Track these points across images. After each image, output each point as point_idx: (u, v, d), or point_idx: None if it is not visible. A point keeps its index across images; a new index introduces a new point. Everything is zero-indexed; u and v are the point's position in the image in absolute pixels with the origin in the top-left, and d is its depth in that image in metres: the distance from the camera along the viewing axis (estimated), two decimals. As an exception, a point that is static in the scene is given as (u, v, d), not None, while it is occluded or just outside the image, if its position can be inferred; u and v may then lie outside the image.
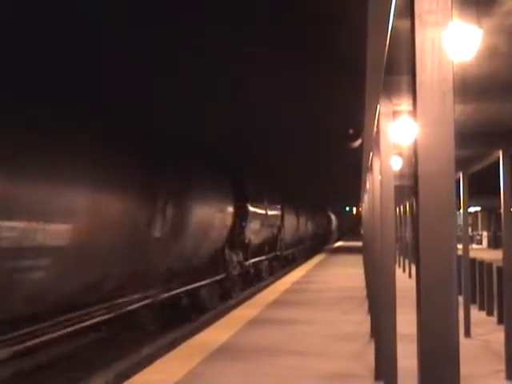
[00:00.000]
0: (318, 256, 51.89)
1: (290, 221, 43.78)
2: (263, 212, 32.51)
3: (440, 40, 2.71)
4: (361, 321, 15.67)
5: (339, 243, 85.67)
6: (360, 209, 63.29)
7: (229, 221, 25.05)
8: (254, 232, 29.96)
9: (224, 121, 26.76)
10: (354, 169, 23.59)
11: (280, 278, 32.21)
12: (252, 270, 30.73)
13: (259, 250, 33.28)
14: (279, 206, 38.83)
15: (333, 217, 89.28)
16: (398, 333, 7.30)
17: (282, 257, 41.40)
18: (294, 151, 37.92)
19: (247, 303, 20.24)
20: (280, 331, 14.50)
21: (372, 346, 10.70)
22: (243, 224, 27.12)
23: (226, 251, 25.02)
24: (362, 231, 36.52)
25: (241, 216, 26.75)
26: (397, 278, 7.53)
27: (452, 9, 2.77)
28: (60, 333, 11.39)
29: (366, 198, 21.44)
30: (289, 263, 44.64)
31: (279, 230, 39.44)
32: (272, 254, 37.93)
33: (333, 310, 18.11)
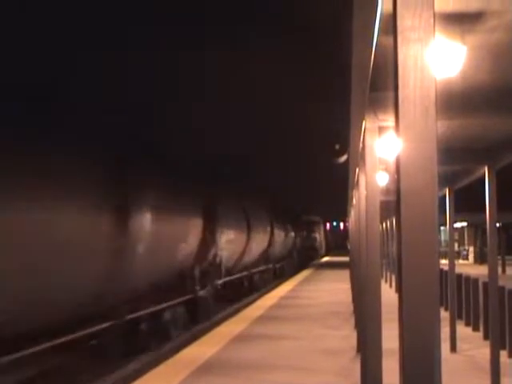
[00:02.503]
0: (304, 272, 51.84)
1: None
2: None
3: (422, 56, 2.72)
4: (347, 336, 15.64)
5: (326, 258, 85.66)
6: (347, 224, 62.84)
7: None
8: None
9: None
10: (341, 183, 23.68)
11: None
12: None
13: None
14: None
15: (317, 233, 78.63)
16: (384, 348, 7.29)
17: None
18: (282, 166, 37.62)
19: (233, 319, 20.18)
20: (266, 346, 14.45)
21: (358, 361, 10.68)
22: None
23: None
24: (349, 246, 36.57)
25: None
26: (383, 293, 7.53)
27: (435, 26, 2.78)
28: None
29: (352, 213, 21.48)
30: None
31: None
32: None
33: (320, 325, 18.08)
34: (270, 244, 38.17)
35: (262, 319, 19.53)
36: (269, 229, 38.00)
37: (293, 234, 53.46)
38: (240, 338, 15.64)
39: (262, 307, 23.11)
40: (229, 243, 25.51)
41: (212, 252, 22.51)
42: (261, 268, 36.06)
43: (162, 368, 12.18)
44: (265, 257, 37.37)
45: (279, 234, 42.99)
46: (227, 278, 26.00)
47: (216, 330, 17.32)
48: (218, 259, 23.24)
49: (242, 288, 30.81)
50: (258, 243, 33.41)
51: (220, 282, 23.75)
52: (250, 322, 18.70)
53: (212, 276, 22.48)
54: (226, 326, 18.33)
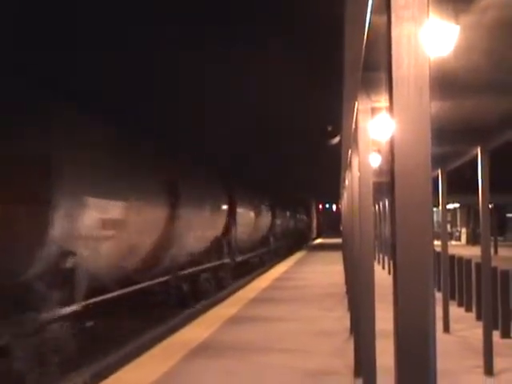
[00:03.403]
0: (298, 253, 51.96)
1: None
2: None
3: (416, 36, 2.70)
4: (341, 317, 15.69)
5: (319, 240, 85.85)
6: (340, 206, 62.62)
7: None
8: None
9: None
10: (333, 165, 23.66)
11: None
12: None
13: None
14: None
15: (306, 214, 73.22)
16: (377, 329, 7.30)
17: None
18: (270, 148, 36.73)
19: (227, 301, 20.21)
20: (261, 328, 14.49)
21: (352, 343, 10.72)
22: None
23: None
24: (342, 228, 36.62)
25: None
26: (376, 275, 7.54)
27: (429, 5, 2.77)
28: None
29: (345, 195, 21.50)
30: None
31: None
32: None
33: (313, 306, 18.13)
34: (227, 228, 27.12)
35: (256, 301, 19.57)
36: (225, 207, 27.01)
37: (270, 214, 41.32)
38: (234, 320, 15.67)
39: (257, 289, 23.16)
40: (115, 227, 14.09)
41: (43, 251, 11.02)
42: (209, 265, 23.93)
43: (156, 350, 12.20)
44: (219, 247, 25.77)
45: (245, 215, 31.56)
46: (113, 294, 14.72)
47: (210, 312, 17.35)
48: (68, 262, 11.62)
49: (171, 299, 19.97)
50: (201, 227, 22.23)
51: (74, 307, 11.87)
52: (244, 304, 18.74)
53: (41, 301, 10.94)
54: (220, 308, 18.36)
